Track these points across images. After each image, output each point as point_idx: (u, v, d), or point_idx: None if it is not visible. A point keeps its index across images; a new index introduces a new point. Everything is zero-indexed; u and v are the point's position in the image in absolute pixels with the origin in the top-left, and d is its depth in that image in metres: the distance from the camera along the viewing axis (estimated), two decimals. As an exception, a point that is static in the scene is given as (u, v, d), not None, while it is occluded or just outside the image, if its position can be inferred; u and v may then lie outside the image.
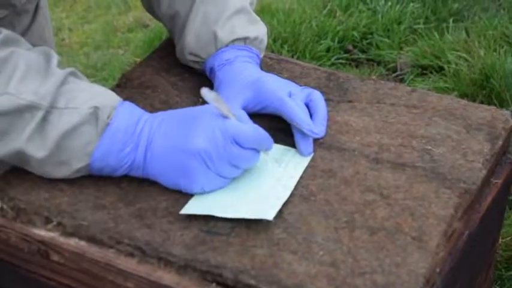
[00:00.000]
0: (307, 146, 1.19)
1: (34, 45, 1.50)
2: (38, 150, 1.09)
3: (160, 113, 1.15)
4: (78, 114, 1.10)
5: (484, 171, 1.18)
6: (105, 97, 1.13)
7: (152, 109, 1.28)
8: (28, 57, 1.12)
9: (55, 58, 1.15)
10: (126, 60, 3.04)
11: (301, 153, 1.19)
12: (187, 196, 1.12)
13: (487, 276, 1.44)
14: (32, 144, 1.09)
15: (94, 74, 2.96)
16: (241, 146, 1.11)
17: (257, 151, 1.12)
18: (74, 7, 3.46)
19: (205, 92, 1.12)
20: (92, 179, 1.15)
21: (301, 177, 1.17)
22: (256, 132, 1.13)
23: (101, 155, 1.11)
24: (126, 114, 1.13)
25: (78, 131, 1.11)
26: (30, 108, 1.09)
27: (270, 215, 1.08)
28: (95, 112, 1.10)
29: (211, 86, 1.30)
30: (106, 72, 2.97)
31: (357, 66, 2.87)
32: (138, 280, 1.04)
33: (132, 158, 1.11)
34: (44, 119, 1.10)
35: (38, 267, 1.12)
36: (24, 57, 1.12)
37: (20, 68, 1.10)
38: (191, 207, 1.11)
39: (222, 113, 1.11)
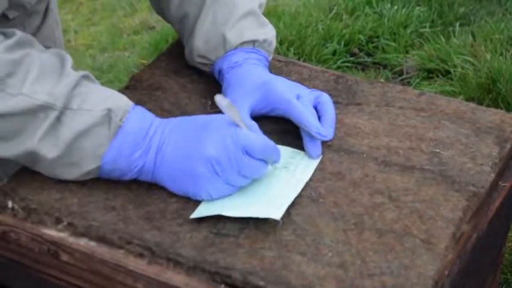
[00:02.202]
0: (315, 148, 1.20)
1: (44, 46, 1.52)
2: (50, 151, 1.10)
3: (172, 119, 1.16)
4: (92, 116, 1.11)
5: (493, 175, 1.17)
6: (118, 100, 1.14)
7: (161, 111, 1.29)
8: (42, 59, 1.13)
9: (69, 60, 1.16)
10: (132, 62, 3.05)
11: (310, 156, 1.20)
12: (197, 200, 1.12)
13: (495, 279, 1.43)
14: (44, 145, 1.10)
15: (100, 76, 2.96)
16: (251, 156, 1.11)
17: (266, 162, 1.13)
18: (80, 9, 3.47)
19: (219, 99, 1.12)
20: (102, 181, 1.15)
21: (310, 180, 1.17)
22: (266, 143, 1.13)
23: (112, 157, 1.12)
24: (139, 118, 1.13)
25: (90, 133, 1.11)
26: (44, 108, 1.09)
27: (277, 214, 1.08)
28: (108, 114, 1.11)
29: (219, 88, 1.30)
30: (112, 75, 2.98)
31: (363, 70, 2.87)
32: (148, 281, 1.04)
33: (142, 162, 1.12)
34: (58, 120, 1.10)
35: (48, 267, 1.12)
36: (38, 58, 1.12)
37: (34, 69, 1.11)
38: (201, 212, 1.11)
39: (234, 121, 1.12)
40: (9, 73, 1.09)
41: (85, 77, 1.15)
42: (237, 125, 1.12)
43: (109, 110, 1.11)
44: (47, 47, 1.52)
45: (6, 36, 1.14)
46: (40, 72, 1.11)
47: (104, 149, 1.11)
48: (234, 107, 1.13)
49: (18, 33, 1.14)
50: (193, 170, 1.10)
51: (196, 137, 1.12)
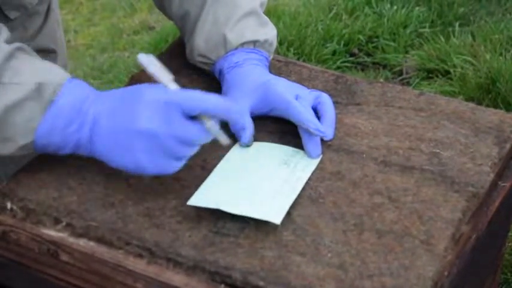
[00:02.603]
0: (315, 147, 1.20)
1: (45, 47, 1.49)
2: None
3: (108, 91, 1.14)
4: (22, 90, 1.08)
5: (492, 175, 1.18)
6: (52, 74, 1.12)
7: None
8: None
9: (4, 33, 1.13)
10: (131, 62, 3.05)
11: (309, 155, 1.20)
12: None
13: (495, 279, 1.43)
14: None
15: (100, 76, 2.98)
16: (190, 118, 1.08)
17: (203, 127, 1.09)
18: (80, 9, 3.47)
19: (140, 56, 1.11)
20: (101, 175, 1.15)
21: (309, 179, 1.17)
22: (206, 95, 1.09)
23: (45, 131, 1.10)
24: (74, 92, 1.11)
25: (21, 107, 1.09)
26: None
27: (277, 218, 1.09)
28: (39, 88, 1.09)
29: (219, 87, 1.31)
30: (112, 75, 2.98)
31: (362, 70, 2.87)
32: (147, 281, 1.04)
33: (78, 136, 1.10)
34: None
35: (48, 267, 1.12)
36: None
37: None
38: (199, 200, 1.11)
39: (160, 81, 1.10)
40: None
41: (20, 49, 1.12)
42: (166, 85, 1.10)
43: (40, 84, 1.09)
44: (49, 48, 1.52)
45: None
46: None
47: (35, 123, 1.09)
48: (159, 64, 1.11)
49: None
50: (130, 145, 1.09)
51: (128, 108, 1.10)
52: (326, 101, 1.25)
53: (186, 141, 1.08)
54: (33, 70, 1.10)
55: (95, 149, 1.11)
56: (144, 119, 1.07)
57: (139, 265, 1.05)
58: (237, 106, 1.09)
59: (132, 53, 3.14)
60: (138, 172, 1.10)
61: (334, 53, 2.90)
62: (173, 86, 1.09)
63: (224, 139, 1.08)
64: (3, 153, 1.12)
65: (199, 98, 1.08)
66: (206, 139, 1.09)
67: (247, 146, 1.22)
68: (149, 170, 1.09)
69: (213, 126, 1.07)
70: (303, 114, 1.20)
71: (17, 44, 1.12)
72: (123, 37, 3.28)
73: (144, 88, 1.11)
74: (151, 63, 1.11)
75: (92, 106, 1.10)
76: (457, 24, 2.96)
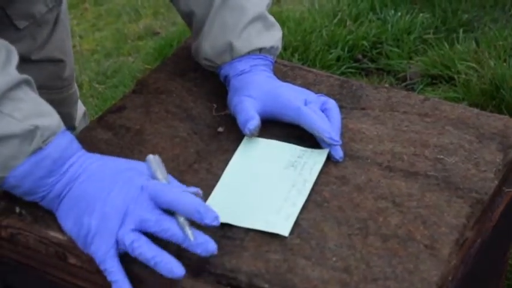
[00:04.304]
0: (336, 151, 1.20)
1: (54, 56, 1.48)
2: None
3: (94, 158, 1.11)
4: (17, 127, 1.05)
5: (496, 181, 1.18)
6: (50, 120, 1.09)
7: (167, 113, 1.30)
8: None
9: (15, 58, 1.11)
10: (136, 67, 3.06)
11: (334, 158, 1.20)
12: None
13: (499, 285, 1.43)
14: None
15: (104, 80, 2.98)
16: (160, 209, 1.05)
17: (171, 217, 1.05)
18: (85, 15, 3.48)
19: (149, 157, 1.10)
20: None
21: (315, 184, 1.17)
22: (183, 194, 1.06)
23: (21, 174, 1.07)
24: (62, 145, 1.09)
25: (8, 142, 1.05)
26: None
27: (285, 230, 1.09)
28: (33, 131, 1.06)
29: (224, 91, 1.31)
30: (116, 79, 2.99)
31: (366, 76, 2.87)
32: (153, 283, 1.04)
33: (49, 190, 1.08)
34: None
35: (56, 269, 1.12)
36: None
37: None
38: None
39: (155, 176, 1.09)
40: None
41: (27, 82, 1.10)
42: (155, 175, 1.09)
43: (36, 127, 1.06)
44: (57, 58, 1.52)
45: None
46: None
47: (16, 162, 1.06)
48: (161, 164, 1.10)
49: None
50: (86, 218, 1.06)
51: (106, 184, 1.08)
52: (333, 107, 1.25)
53: (146, 226, 1.05)
54: (34, 110, 1.08)
55: (58, 208, 1.09)
56: (116, 192, 1.06)
57: (145, 268, 1.04)
58: (213, 213, 1.04)
59: (136, 58, 3.14)
60: (84, 248, 1.06)
61: (338, 58, 2.89)
62: (163, 181, 1.09)
63: (191, 236, 1.04)
64: None
65: (172, 196, 1.05)
66: (166, 233, 1.05)
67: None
68: (93, 251, 1.06)
69: (184, 222, 1.05)
70: (316, 122, 1.20)
71: (25, 76, 1.09)
72: (127, 42, 3.29)
73: (128, 170, 1.10)
74: (155, 162, 1.10)
75: (72, 167, 1.09)
76: (461, 30, 2.96)
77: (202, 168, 1.20)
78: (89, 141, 1.22)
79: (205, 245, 1.03)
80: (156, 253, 1.02)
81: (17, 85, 1.07)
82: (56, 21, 1.48)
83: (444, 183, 1.16)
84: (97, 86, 2.94)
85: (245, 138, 1.24)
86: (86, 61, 3.12)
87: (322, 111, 1.24)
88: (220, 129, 1.28)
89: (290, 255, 1.05)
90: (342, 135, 1.23)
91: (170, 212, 1.05)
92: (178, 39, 3.01)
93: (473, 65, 2.72)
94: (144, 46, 3.22)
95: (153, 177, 1.09)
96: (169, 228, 1.03)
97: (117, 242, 1.04)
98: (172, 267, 1.02)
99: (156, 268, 1.02)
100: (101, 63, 3.13)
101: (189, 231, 1.03)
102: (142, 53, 3.16)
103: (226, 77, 1.31)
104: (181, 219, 1.04)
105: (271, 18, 1.34)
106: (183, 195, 1.05)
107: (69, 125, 1.14)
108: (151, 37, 3.30)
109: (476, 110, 1.32)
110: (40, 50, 1.46)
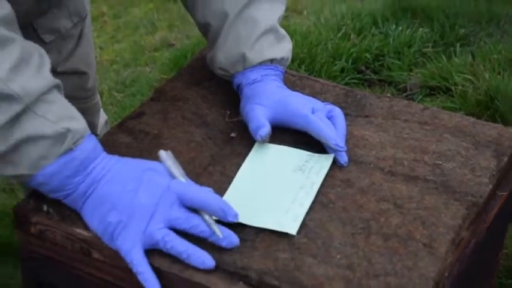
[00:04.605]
0: (341, 157, 1.20)
1: (78, 69, 1.47)
2: None
3: (116, 160, 1.12)
4: (50, 128, 1.05)
5: (491, 186, 1.17)
6: (79, 124, 1.09)
7: (183, 119, 1.30)
8: (24, 48, 1.06)
9: (48, 62, 1.10)
10: (153, 77, 3.04)
11: (339, 163, 1.19)
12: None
13: (491, 283, 1.42)
14: None
15: (123, 89, 2.97)
16: (184, 206, 1.07)
17: (197, 214, 1.06)
18: (105, 27, 3.46)
19: (161, 152, 1.11)
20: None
21: (321, 186, 1.16)
22: (208, 194, 1.07)
23: (50, 173, 1.07)
24: (89, 148, 1.09)
25: (40, 142, 1.05)
26: (11, 98, 1.03)
27: (293, 229, 1.08)
28: (65, 134, 1.06)
29: (237, 99, 1.30)
30: (134, 88, 2.98)
31: (369, 86, 2.86)
32: (171, 277, 1.04)
33: (74, 189, 1.08)
34: (17, 116, 1.03)
35: (82, 264, 1.12)
36: (20, 46, 1.05)
37: (15, 55, 1.04)
38: None
39: (172, 173, 1.09)
40: None
41: (57, 86, 1.09)
42: (176, 178, 1.09)
43: (67, 130, 1.06)
44: (81, 70, 1.52)
45: None
46: (19, 61, 1.04)
47: (46, 162, 1.06)
48: (172, 159, 1.11)
49: (7, 7, 1.06)
50: (112, 217, 1.07)
51: (131, 186, 1.08)
52: (338, 115, 1.24)
53: (176, 223, 1.06)
54: (65, 113, 1.08)
55: (82, 206, 1.09)
56: (142, 191, 1.07)
57: (164, 263, 1.05)
58: (234, 211, 1.06)
59: (153, 68, 3.13)
60: (110, 244, 1.07)
61: (342, 70, 2.89)
62: (182, 180, 1.09)
63: (219, 232, 1.05)
64: (7, 172, 1.08)
65: (199, 195, 1.07)
66: (196, 229, 1.06)
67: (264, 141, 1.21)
68: (120, 245, 1.06)
69: (209, 219, 1.06)
70: (322, 128, 1.20)
71: (57, 81, 1.09)
72: (144, 53, 3.26)
73: (149, 169, 1.10)
74: (168, 158, 1.11)
75: (96, 168, 1.09)
76: (458, 44, 2.95)
77: (216, 171, 1.19)
78: (111, 145, 1.21)
79: (229, 238, 1.05)
80: (187, 246, 1.03)
81: (50, 89, 1.07)
82: (80, 36, 1.48)
83: (442, 187, 1.16)
84: (116, 94, 2.92)
85: (256, 143, 1.23)
86: (106, 71, 3.09)
87: (329, 119, 1.23)
88: (233, 134, 1.27)
89: (297, 254, 1.05)
90: (347, 141, 1.23)
91: (193, 210, 1.06)
92: (192, 50, 2.98)
93: (470, 77, 2.72)
94: (160, 57, 3.19)
95: (169, 172, 1.10)
96: (199, 224, 1.05)
97: (143, 239, 1.05)
98: (204, 259, 1.03)
99: (189, 260, 1.03)
100: (119, 73, 3.11)
101: (216, 227, 1.05)
102: (159, 64, 3.13)
103: (239, 85, 1.31)
104: (207, 217, 1.05)
105: (282, 31, 1.33)
106: (207, 195, 1.07)
107: (92, 133, 1.13)
108: (166, 48, 3.27)
109: (472, 119, 1.31)
110: (65, 62, 1.46)
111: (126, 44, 3.35)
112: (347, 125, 1.25)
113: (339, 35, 3.07)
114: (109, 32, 3.45)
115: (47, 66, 1.08)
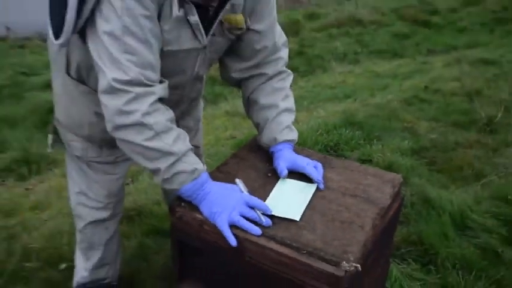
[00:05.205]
0: (320, 185, 1.18)
1: (189, 126, 1.40)
2: (165, 174, 1.05)
3: (214, 183, 1.08)
4: (187, 168, 1.05)
5: (390, 200, 1.17)
6: (200, 165, 1.07)
7: (247, 167, 1.23)
8: (179, 130, 1.07)
9: (187, 136, 1.08)
10: (225, 151, 2.67)
11: (319, 187, 1.16)
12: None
13: (388, 255, 1.35)
14: (160, 175, 1.05)
15: (212, 156, 2.56)
16: (250, 207, 1.04)
17: (253, 210, 1.04)
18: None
19: (238, 181, 1.10)
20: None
21: (311, 197, 1.13)
22: (258, 201, 1.06)
23: (186, 189, 1.06)
24: (204, 177, 1.07)
25: (182, 175, 1.05)
26: (171, 154, 1.03)
27: (297, 216, 1.07)
28: (194, 171, 1.05)
29: (271, 158, 1.25)
30: (217, 156, 2.59)
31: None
32: (241, 240, 1.02)
33: (195, 197, 1.07)
34: (172, 163, 1.03)
35: (199, 232, 1.08)
36: (178, 129, 1.06)
37: (175, 133, 1.04)
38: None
39: (241, 189, 1.08)
40: (166, 130, 1.02)
41: (191, 149, 1.08)
42: (243, 191, 1.08)
43: (196, 169, 1.05)
44: (191, 126, 1.40)
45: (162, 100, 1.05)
46: (177, 136, 1.04)
47: (185, 183, 1.06)
48: (242, 183, 1.09)
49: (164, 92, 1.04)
50: (214, 210, 1.05)
51: (223, 195, 1.06)
52: (319, 166, 1.22)
53: (245, 215, 1.03)
54: (194, 160, 1.06)
55: (201, 205, 1.07)
56: (230, 202, 1.05)
57: (238, 233, 1.04)
58: (270, 209, 1.05)
59: (226, 147, 2.76)
60: (214, 220, 1.03)
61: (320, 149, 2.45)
62: (246, 193, 1.08)
63: (263, 218, 1.04)
64: (161, 185, 1.06)
65: (254, 201, 1.06)
66: (253, 216, 1.04)
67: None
68: (220, 221, 1.03)
69: (259, 213, 1.05)
70: (312, 173, 1.17)
71: (191, 146, 1.07)
72: (221, 141, 2.91)
73: (232, 188, 1.08)
74: (240, 182, 1.10)
75: (206, 187, 1.07)
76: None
77: (262, 190, 1.17)
78: (214, 177, 1.18)
79: (267, 221, 1.06)
80: (249, 224, 1.04)
81: (188, 149, 1.08)
82: (197, 97, 1.33)
83: (367, 200, 1.15)
84: (208, 160, 2.48)
85: (280, 179, 1.20)
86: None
87: (314, 167, 1.21)
88: (269, 174, 1.24)
89: (298, 229, 1.06)
90: (323, 178, 1.20)
91: (252, 208, 1.06)
92: (245, 140, 2.77)
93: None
94: (230, 143, 2.90)
95: (240, 189, 1.09)
96: (254, 215, 1.05)
97: (228, 220, 1.04)
98: (255, 230, 1.04)
99: (249, 231, 1.02)
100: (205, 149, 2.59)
101: (261, 216, 1.05)
102: (230, 145, 2.85)
103: (272, 152, 1.27)
104: (258, 211, 1.06)
105: (293, 126, 1.26)
106: (259, 201, 1.07)
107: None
108: (233, 138, 3.03)
109: (381, 171, 1.26)
110: (179, 119, 1.30)
111: (211, 136, 3.04)
112: (324, 171, 1.22)
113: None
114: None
115: (187, 138, 1.10)
